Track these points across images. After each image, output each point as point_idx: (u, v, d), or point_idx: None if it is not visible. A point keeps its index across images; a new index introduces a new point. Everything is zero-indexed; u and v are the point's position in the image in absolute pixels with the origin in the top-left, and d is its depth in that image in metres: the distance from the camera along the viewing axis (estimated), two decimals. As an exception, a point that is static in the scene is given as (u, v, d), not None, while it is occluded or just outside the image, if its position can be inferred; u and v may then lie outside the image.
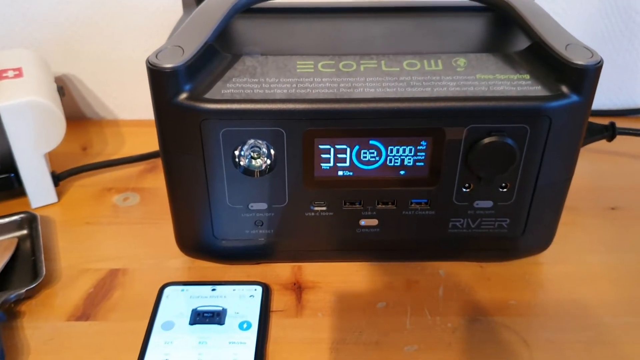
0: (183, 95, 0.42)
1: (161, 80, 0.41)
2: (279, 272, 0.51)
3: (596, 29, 0.72)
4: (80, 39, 0.70)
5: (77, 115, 0.75)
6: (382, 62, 0.45)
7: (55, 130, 0.56)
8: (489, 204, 0.47)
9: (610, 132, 0.58)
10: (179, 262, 0.52)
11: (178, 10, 0.68)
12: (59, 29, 0.69)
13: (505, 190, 0.47)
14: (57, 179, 0.60)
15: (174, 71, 0.41)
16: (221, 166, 0.45)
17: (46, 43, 0.70)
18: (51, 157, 0.61)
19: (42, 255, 0.51)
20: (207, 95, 0.42)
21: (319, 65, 0.45)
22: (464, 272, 0.51)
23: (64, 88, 0.64)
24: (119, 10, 0.69)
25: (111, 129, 0.73)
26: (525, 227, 0.49)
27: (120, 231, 0.57)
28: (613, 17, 0.71)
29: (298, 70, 0.44)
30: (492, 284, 0.50)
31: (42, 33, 0.70)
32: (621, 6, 0.70)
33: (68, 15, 0.69)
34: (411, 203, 0.47)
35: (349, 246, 0.50)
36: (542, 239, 0.51)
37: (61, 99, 0.60)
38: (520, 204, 0.47)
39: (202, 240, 0.50)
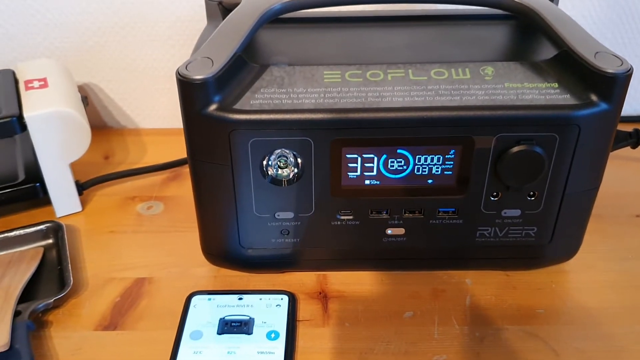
0: (213, 106, 0.42)
1: (191, 92, 0.41)
2: (304, 281, 0.51)
3: (617, 34, 0.72)
4: (102, 48, 0.71)
5: (98, 124, 0.76)
6: (410, 71, 0.45)
7: (80, 140, 0.56)
8: (516, 212, 0.47)
9: (634, 139, 0.57)
10: (204, 270, 0.53)
11: (199, 19, 0.68)
12: (80, 38, 0.70)
13: (533, 198, 0.47)
14: (81, 188, 0.61)
15: (204, 83, 0.41)
16: (249, 175, 0.45)
17: (68, 52, 0.71)
18: (73, 166, 0.61)
19: (69, 264, 0.52)
20: (237, 106, 0.42)
21: (346, 74, 0.45)
22: (491, 281, 0.51)
23: (87, 98, 0.65)
24: (139, 20, 0.69)
25: (132, 138, 0.74)
26: (553, 236, 0.49)
27: (144, 240, 0.57)
28: (634, 22, 0.71)
29: (325, 80, 0.44)
30: (518, 293, 0.50)
31: (63, 43, 0.70)
32: (642, 12, 0.70)
33: (89, 25, 0.69)
34: (438, 212, 0.47)
35: (375, 255, 0.50)
36: (568, 247, 0.51)
37: (85, 109, 0.60)
38: (548, 213, 0.47)
39: (229, 249, 0.50)
